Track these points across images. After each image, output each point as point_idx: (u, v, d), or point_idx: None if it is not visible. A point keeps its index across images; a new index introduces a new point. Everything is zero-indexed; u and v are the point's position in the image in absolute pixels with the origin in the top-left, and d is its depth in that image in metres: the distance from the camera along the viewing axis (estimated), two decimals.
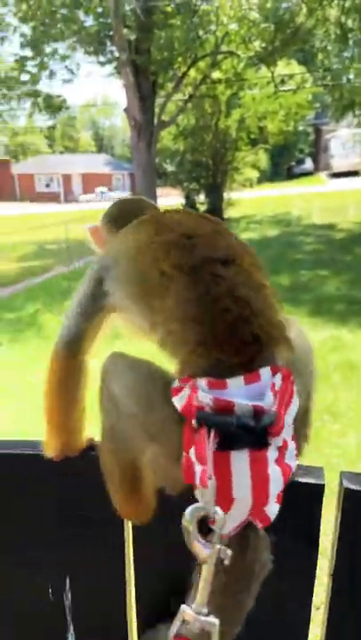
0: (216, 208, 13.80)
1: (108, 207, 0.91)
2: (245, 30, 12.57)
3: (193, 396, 0.60)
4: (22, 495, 0.80)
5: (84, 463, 0.76)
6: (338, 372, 4.03)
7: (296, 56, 16.41)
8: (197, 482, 0.59)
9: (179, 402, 0.62)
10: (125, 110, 12.68)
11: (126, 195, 27.04)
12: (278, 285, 7.00)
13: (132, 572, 0.81)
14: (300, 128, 19.95)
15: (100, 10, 12.85)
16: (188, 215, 0.79)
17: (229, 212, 14.35)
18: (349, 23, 11.51)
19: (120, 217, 0.85)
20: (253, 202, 16.50)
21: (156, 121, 12.85)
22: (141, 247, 0.72)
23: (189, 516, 0.55)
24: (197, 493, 0.60)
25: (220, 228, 0.73)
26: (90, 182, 31.63)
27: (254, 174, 19.74)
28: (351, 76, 12.39)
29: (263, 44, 13.03)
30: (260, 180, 21.54)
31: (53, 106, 13.58)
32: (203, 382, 0.59)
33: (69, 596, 0.81)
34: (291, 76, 15.72)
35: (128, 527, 0.79)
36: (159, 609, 0.77)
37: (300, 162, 29.57)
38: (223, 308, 0.62)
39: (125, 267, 0.73)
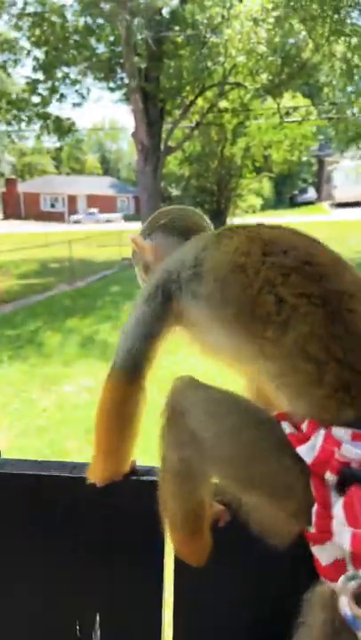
0: None
1: (155, 216, 0.86)
2: (253, 63, 12.89)
3: (328, 447, 0.53)
4: (50, 519, 0.74)
5: (124, 487, 0.71)
6: None
7: (301, 89, 16.83)
8: (346, 545, 0.50)
9: (307, 453, 0.54)
10: (133, 135, 12.91)
11: (117, 217, 27.80)
12: None
13: (171, 614, 0.74)
14: (304, 158, 20.29)
15: (111, 38, 13.21)
16: (297, 235, 0.69)
17: None
18: (355, 59, 11.82)
19: (180, 227, 0.81)
20: None
21: (162, 146, 13.07)
22: (245, 266, 0.63)
23: (346, 584, 0.48)
24: (317, 549, 0.54)
25: (338, 256, 0.67)
26: (95, 203, 32.00)
27: (258, 201, 20.02)
28: (356, 110, 12.66)
29: (270, 77, 13.36)
30: (263, 208, 21.82)
31: (62, 128, 13.81)
32: (345, 434, 0.52)
33: (98, 634, 0.74)
34: (296, 109, 16.07)
35: (169, 563, 0.73)
36: None
37: (303, 191, 30.04)
38: None
39: (216, 284, 0.65)
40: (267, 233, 0.68)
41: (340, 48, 12.00)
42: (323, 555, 0.54)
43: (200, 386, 0.62)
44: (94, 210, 30.48)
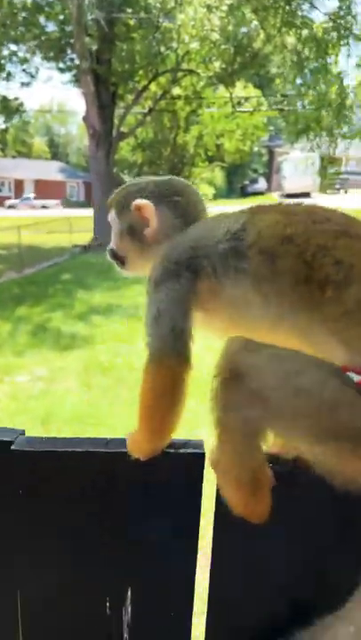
0: None
1: (157, 184, 0.82)
2: (206, 50, 12.85)
3: None
4: (83, 494, 0.73)
5: (162, 460, 0.71)
6: None
7: (253, 80, 16.97)
8: None
9: None
10: (84, 119, 12.58)
11: (54, 203, 26.99)
12: None
13: (206, 585, 0.75)
14: (255, 149, 20.55)
15: (62, 17, 12.75)
16: (320, 207, 0.73)
17: None
18: (306, 52, 12.03)
19: (186, 202, 0.80)
20: None
21: (114, 132, 12.82)
22: (293, 236, 0.66)
23: None
24: None
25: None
26: (43, 188, 31.07)
27: (210, 190, 20.09)
28: (305, 103, 12.91)
29: (223, 65, 13.38)
30: (215, 197, 21.96)
31: (10, 108, 13.28)
32: None
33: (129, 610, 0.74)
34: (247, 99, 16.21)
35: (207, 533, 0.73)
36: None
37: (254, 181, 30.40)
38: None
39: (263, 257, 0.67)
40: (297, 206, 0.73)
41: (291, 40, 12.17)
42: None
43: (258, 346, 0.63)
44: (30, 195, 29.55)
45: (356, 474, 0.60)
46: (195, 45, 12.82)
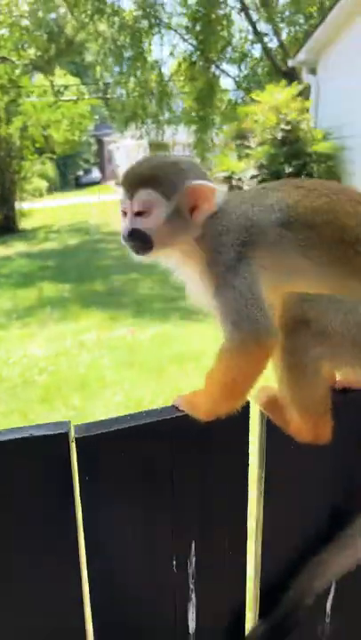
0: (9, 219, 13.11)
1: (189, 163, 0.83)
2: (18, 37, 12.23)
3: None
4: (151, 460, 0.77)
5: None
6: (173, 364, 4.27)
7: (69, 68, 16.63)
8: None
9: None
10: None
11: None
12: (95, 292, 7.05)
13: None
14: (84, 138, 20.28)
15: None
16: (328, 184, 0.85)
17: (24, 223, 13.78)
18: (121, 39, 12.18)
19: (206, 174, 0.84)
20: (47, 212, 16.12)
21: None
22: (323, 206, 0.78)
23: None
24: None
25: None
26: None
27: (43, 184, 19.34)
28: (127, 90, 13.13)
29: (38, 53, 12.88)
30: (49, 190, 21.21)
31: None
32: None
33: (193, 562, 0.78)
34: (67, 87, 15.85)
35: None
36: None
37: (88, 172, 30.02)
38: None
39: (307, 226, 0.77)
40: (304, 182, 0.84)
41: (104, 27, 12.20)
42: None
43: (313, 296, 0.75)
44: None
45: None
46: (4, 32, 12.10)
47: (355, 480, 0.88)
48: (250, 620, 0.89)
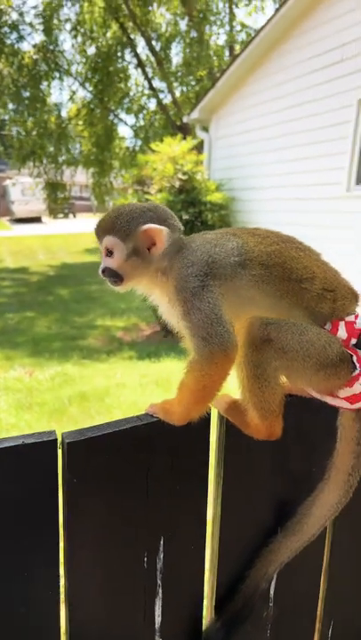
0: None
1: (150, 208, 0.95)
2: None
3: (349, 327, 0.93)
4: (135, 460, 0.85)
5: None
6: (74, 405, 4.19)
7: None
8: None
9: (341, 334, 0.93)
10: None
11: None
12: None
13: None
14: None
15: None
16: (277, 233, 1.00)
17: None
18: (20, 79, 12.18)
19: (179, 227, 0.98)
20: None
21: None
22: (275, 251, 0.94)
23: None
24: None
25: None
26: None
27: None
28: (26, 129, 13.04)
29: None
30: None
31: None
32: (352, 317, 0.95)
33: (162, 558, 0.85)
34: None
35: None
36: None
37: None
38: None
39: (262, 266, 0.93)
40: (258, 230, 1.00)
41: (1, 66, 12.14)
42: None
43: (274, 319, 0.91)
44: None
45: (333, 389, 0.94)
46: None
47: (293, 471, 1.03)
48: (208, 609, 0.96)
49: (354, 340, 0.94)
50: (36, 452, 0.73)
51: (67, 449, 0.75)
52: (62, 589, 0.82)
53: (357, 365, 0.92)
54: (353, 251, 5.15)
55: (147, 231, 0.93)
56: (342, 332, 0.94)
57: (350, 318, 0.95)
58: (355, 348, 0.93)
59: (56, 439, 0.75)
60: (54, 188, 14.86)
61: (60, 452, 0.75)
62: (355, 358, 0.92)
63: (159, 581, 0.88)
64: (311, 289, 0.94)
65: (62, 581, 0.82)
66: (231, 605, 0.95)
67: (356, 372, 0.92)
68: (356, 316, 0.96)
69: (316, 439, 1.03)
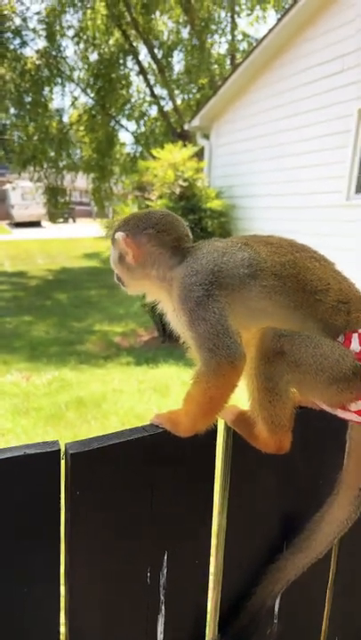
0: None
1: (139, 218, 0.93)
2: None
3: None
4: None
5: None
6: (71, 410, 4.16)
7: None
8: None
9: (355, 347, 0.89)
10: None
11: None
12: None
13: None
14: None
15: None
16: (290, 242, 0.98)
17: None
18: (23, 84, 12.22)
19: (170, 240, 0.94)
20: None
21: None
22: (289, 261, 0.91)
23: None
24: None
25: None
26: None
27: None
28: (27, 134, 13.07)
29: None
30: None
31: None
32: None
33: (165, 573, 0.82)
34: None
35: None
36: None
37: None
38: None
39: (275, 277, 0.90)
40: (272, 238, 0.97)
41: (3, 71, 12.18)
42: None
43: (288, 331, 0.88)
44: None
45: (344, 402, 0.91)
46: None
47: (301, 485, 1.01)
48: (210, 626, 0.93)
49: None
50: (39, 462, 0.71)
51: (70, 460, 0.73)
52: (62, 604, 0.80)
53: None
54: (353, 259, 5.15)
55: (118, 240, 0.94)
56: (355, 345, 0.91)
57: None
58: None
59: (59, 450, 0.72)
60: (54, 193, 14.88)
61: (63, 462, 0.73)
62: None
63: (162, 597, 0.85)
64: (326, 300, 0.91)
65: (62, 595, 0.80)
66: (236, 622, 0.92)
67: None
68: None
69: (325, 452, 1.00)
